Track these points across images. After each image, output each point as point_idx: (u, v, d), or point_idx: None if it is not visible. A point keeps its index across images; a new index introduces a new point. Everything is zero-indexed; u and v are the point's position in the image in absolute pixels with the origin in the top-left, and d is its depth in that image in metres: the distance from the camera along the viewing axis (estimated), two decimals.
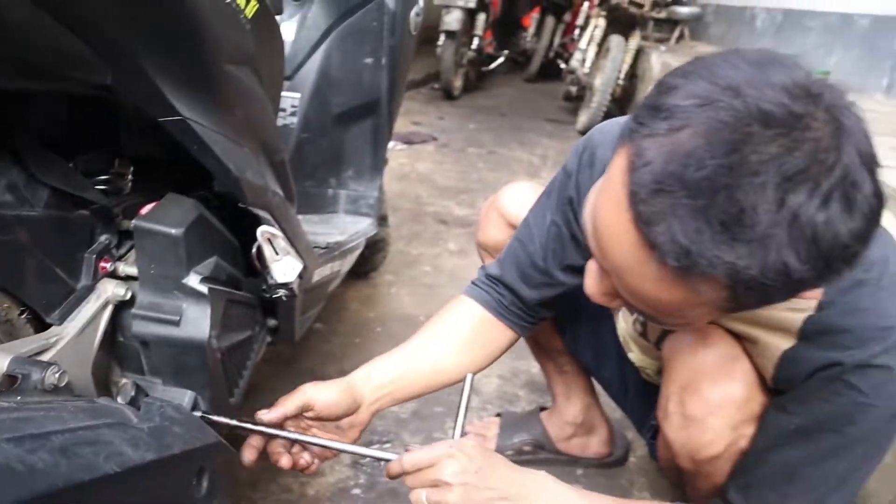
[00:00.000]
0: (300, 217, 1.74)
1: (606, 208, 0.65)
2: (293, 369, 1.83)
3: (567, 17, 7.08)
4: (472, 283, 1.19)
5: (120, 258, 0.98)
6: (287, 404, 0.99)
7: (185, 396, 0.99)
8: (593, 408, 1.54)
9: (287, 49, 1.70)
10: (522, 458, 1.53)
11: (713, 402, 0.90)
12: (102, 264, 0.93)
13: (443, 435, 1.63)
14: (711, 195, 0.56)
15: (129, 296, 0.95)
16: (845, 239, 0.58)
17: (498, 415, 1.64)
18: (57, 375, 0.76)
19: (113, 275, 0.95)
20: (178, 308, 0.95)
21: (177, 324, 0.94)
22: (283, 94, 1.72)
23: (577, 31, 5.90)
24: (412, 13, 1.71)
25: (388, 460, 0.92)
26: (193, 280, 0.95)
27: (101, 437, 0.65)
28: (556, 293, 1.12)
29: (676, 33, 5.29)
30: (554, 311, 1.19)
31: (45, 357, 0.83)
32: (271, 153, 1.09)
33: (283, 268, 1.03)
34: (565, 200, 1.06)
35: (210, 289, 0.96)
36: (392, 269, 2.53)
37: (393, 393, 1.09)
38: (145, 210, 0.95)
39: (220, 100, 0.89)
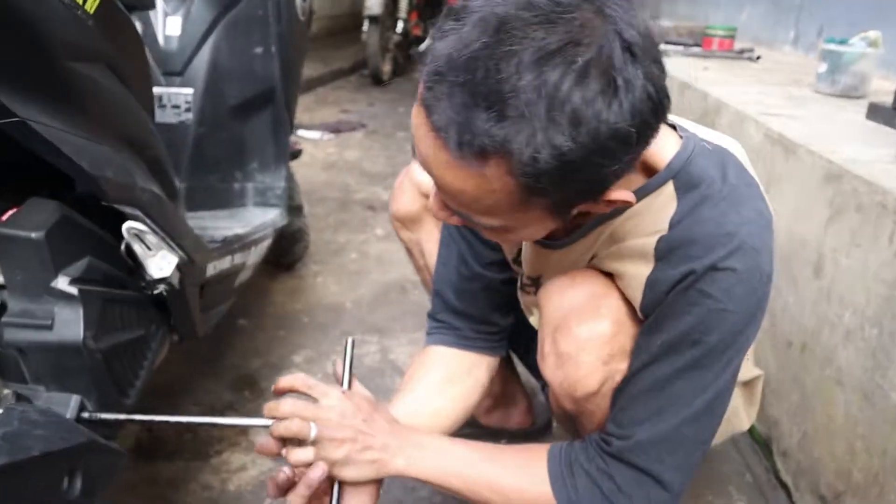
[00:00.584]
0: (207, 213, 1.74)
1: (413, 113, 0.70)
2: (216, 366, 1.82)
3: None
4: (427, 333, 1.20)
5: None
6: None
7: (70, 400, 0.98)
8: (511, 380, 1.56)
9: (174, 44, 1.69)
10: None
11: (582, 337, 0.92)
12: None
13: None
14: (474, 72, 0.61)
15: None
16: (611, 119, 0.62)
17: None
18: None
19: None
20: (49, 312, 0.94)
21: (49, 328, 0.94)
22: (176, 90, 1.70)
23: None
24: None
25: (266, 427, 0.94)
26: (62, 282, 0.94)
27: None
28: (500, 295, 1.15)
29: None
30: (509, 313, 1.20)
31: None
32: (142, 149, 1.08)
33: (158, 262, 1.03)
34: None
35: (81, 290, 0.95)
36: (318, 258, 2.53)
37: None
38: (6, 216, 0.93)
39: (66, 98, 0.88)
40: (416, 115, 0.69)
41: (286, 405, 0.92)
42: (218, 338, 1.93)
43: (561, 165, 0.63)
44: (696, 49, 2.96)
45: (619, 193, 0.74)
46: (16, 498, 0.73)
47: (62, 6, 0.84)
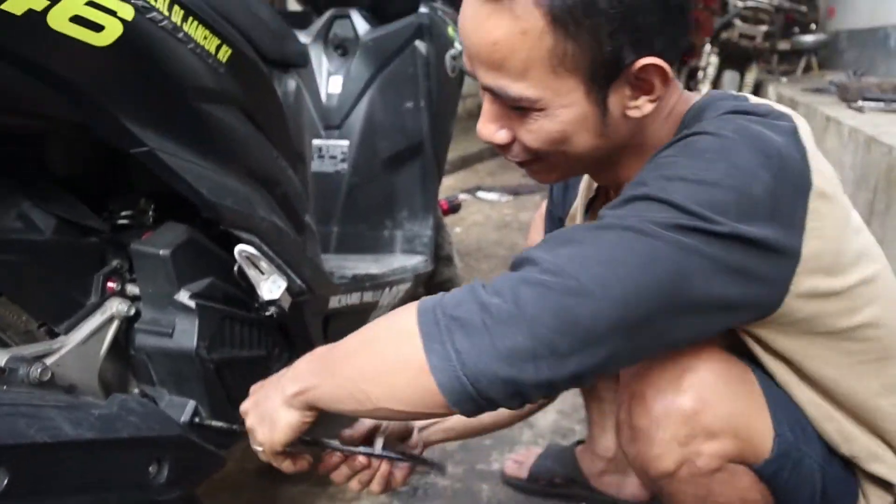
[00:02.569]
0: (355, 256, 1.86)
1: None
2: None
3: (694, 62, 6.95)
4: None
5: (132, 280, 1.12)
6: (363, 421, 1.02)
7: (187, 405, 1.10)
8: None
9: (335, 101, 1.86)
10: (555, 490, 1.50)
11: (658, 412, 0.84)
12: (110, 284, 1.07)
13: (486, 466, 1.63)
14: None
15: (133, 312, 1.08)
16: None
17: None
18: (39, 371, 0.89)
19: (122, 294, 1.09)
20: (171, 322, 1.07)
21: (170, 336, 1.06)
22: (334, 142, 1.87)
23: (700, 74, 5.77)
24: (447, 56, 1.82)
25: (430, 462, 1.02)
26: (183, 296, 1.06)
27: (41, 414, 0.76)
28: None
29: (802, 63, 5.04)
30: None
31: (48, 361, 0.97)
32: (270, 185, 1.20)
33: (269, 286, 1.12)
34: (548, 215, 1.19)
35: (199, 304, 1.07)
36: None
37: (439, 423, 1.12)
38: (145, 236, 1.08)
39: (193, 134, 1.01)
40: None
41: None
42: None
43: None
44: None
45: (655, 60, 0.75)
46: (105, 471, 0.83)
47: (193, 55, 0.98)
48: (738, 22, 4.57)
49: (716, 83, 4.83)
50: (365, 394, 0.78)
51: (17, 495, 0.71)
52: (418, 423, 1.10)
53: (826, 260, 0.79)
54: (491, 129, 0.84)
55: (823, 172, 0.80)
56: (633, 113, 0.80)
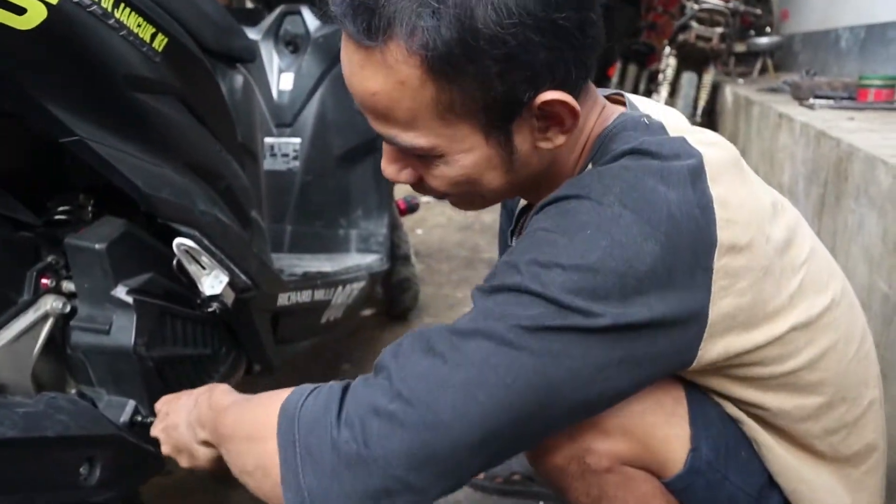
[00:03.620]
0: (308, 255, 1.83)
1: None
2: None
3: (654, 65, 7.03)
4: None
5: (68, 277, 1.08)
6: None
7: (126, 405, 1.07)
8: None
9: (286, 98, 1.84)
10: (513, 488, 1.49)
11: None
12: (44, 280, 1.03)
13: None
14: None
15: (67, 309, 1.05)
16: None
17: None
18: None
19: (57, 290, 1.05)
20: (108, 318, 1.03)
21: (107, 332, 1.03)
22: (286, 140, 1.84)
23: (660, 76, 5.84)
24: None
25: None
26: (120, 291, 1.03)
27: None
28: None
29: (758, 65, 5.12)
30: None
31: None
32: (212, 178, 1.17)
33: (210, 281, 1.10)
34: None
35: (136, 300, 1.04)
36: (433, 311, 2.56)
37: None
38: (82, 231, 1.05)
39: (128, 124, 0.98)
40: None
41: None
42: (319, 379, 2.00)
43: (460, 31, 0.63)
44: (847, 102, 2.74)
45: (556, 94, 0.69)
46: (31, 471, 0.80)
47: (125, 42, 0.95)
48: (694, 24, 4.62)
49: (674, 85, 4.88)
50: (247, 481, 0.79)
51: None
52: None
53: (742, 317, 0.72)
54: (394, 170, 0.79)
55: (736, 219, 0.72)
56: (544, 145, 0.75)
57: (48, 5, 0.83)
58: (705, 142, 0.77)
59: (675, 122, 0.83)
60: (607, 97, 0.87)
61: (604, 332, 0.66)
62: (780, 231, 0.78)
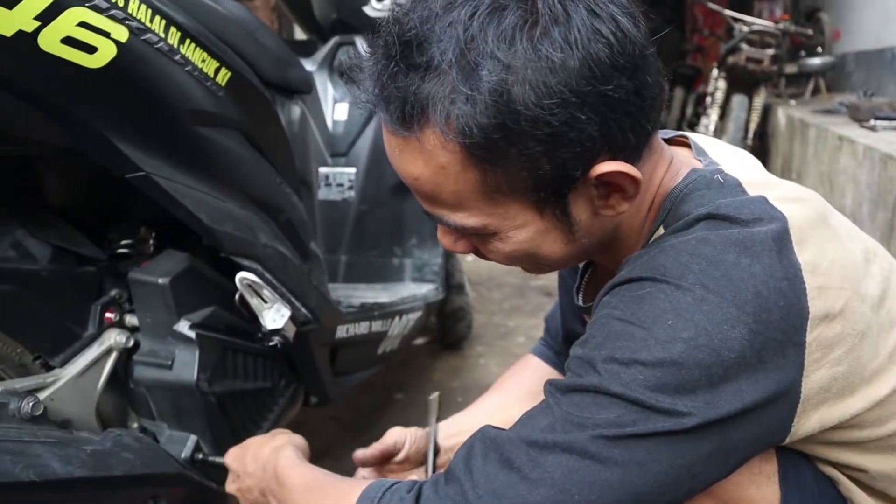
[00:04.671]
0: (363, 285, 1.82)
1: None
2: (366, 435, 1.85)
3: (701, 88, 6.94)
4: (539, 340, 1.19)
5: (131, 310, 1.08)
6: (383, 441, 1.03)
7: (188, 440, 1.06)
8: None
9: (341, 128, 1.84)
10: None
11: None
12: (108, 315, 1.04)
13: None
14: (385, 39, 0.62)
15: (131, 343, 1.05)
16: (541, 56, 0.58)
17: None
18: (31, 405, 0.85)
19: (120, 324, 1.05)
20: (171, 353, 1.03)
21: (169, 367, 1.02)
22: (341, 169, 1.84)
23: (708, 100, 5.76)
24: None
25: None
26: (183, 326, 1.03)
27: (28, 450, 0.72)
28: None
29: (811, 86, 5.00)
30: None
31: (42, 395, 0.93)
32: (273, 211, 1.17)
33: (272, 315, 1.09)
34: None
35: (199, 334, 1.03)
36: (485, 340, 2.53)
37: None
38: (144, 264, 1.05)
39: (192, 159, 0.98)
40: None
41: None
42: (372, 408, 1.98)
43: (497, 115, 0.58)
44: None
45: (613, 165, 0.63)
46: None
47: (191, 77, 0.95)
48: (744, 46, 4.55)
49: (724, 107, 4.80)
50: None
51: None
52: (445, 444, 1.06)
53: (837, 386, 0.66)
54: (449, 241, 0.75)
55: (828, 284, 0.66)
56: (607, 213, 0.69)
57: (118, 43, 0.83)
58: (788, 198, 0.70)
59: (750, 174, 0.75)
60: (670, 140, 0.81)
61: (692, 431, 0.61)
62: (875, 284, 0.71)
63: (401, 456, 1.03)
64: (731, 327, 0.61)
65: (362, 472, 1.05)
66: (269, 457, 0.90)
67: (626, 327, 0.63)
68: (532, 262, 0.76)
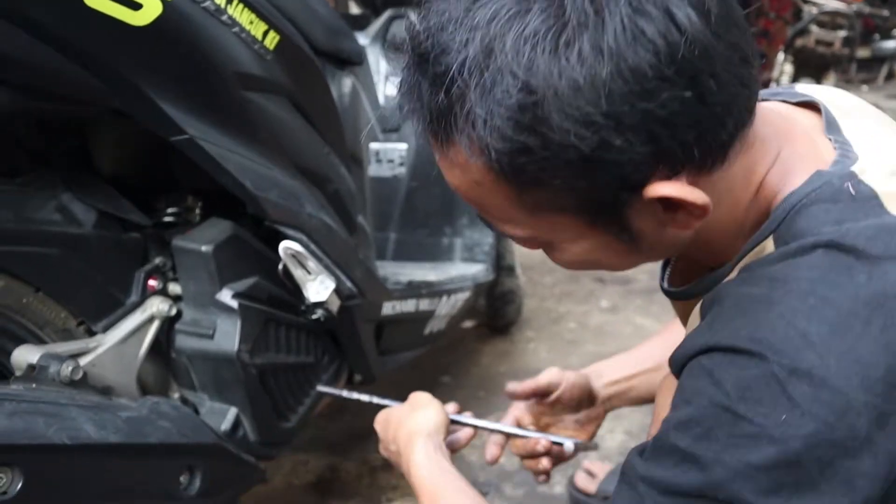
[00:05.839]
0: (412, 263, 1.79)
1: None
2: None
3: (766, 74, 6.71)
4: None
5: (175, 279, 1.06)
6: (538, 379, 1.02)
7: (228, 412, 1.04)
8: None
9: (393, 103, 1.80)
10: None
11: None
12: (151, 282, 1.02)
13: (548, 489, 1.53)
14: (418, 48, 0.55)
15: (174, 312, 1.03)
16: (564, 64, 0.49)
17: None
18: (70, 370, 0.84)
19: (163, 292, 1.04)
20: (213, 322, 1.01)
21: (210, 337, 1.00)
22: (392, 145, 1.80)
23: (773, 85, 5.56)
24: None
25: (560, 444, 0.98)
26: (226, 295, 1.01)
27: (63, 413, 0.70)
28: None
29: (884, 71, 4.77)
30: None
31: (84, 360, 0.92)
32: (320, 181, 1.14)
33: (316, 287, 1.06)
34: None
35: (241, 304, 1.01)
36: (535, 325, 2.47)
37: (627, 392, 1.06)
38: (189, 232, 1.03)
39: (238, 123, 0.96)
40: None
41: None
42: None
43: (515, 139, 0.51)
44: None
45: (667, 188, 0.53)
46: (132, 478, 0.77)
47: (238, 39, 0.92)
48: (814, 28, 4.35)
49: None
50: None
51: (33, 499, 0.65)
52: (601, 393, 1.05)
53: None
54: (518, 242, 0.70)
55: None
56: (674, 230, 0.59)
57: (163, 1, 0.81)
58: None
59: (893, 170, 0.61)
60: (798, 103, 0.68)
61: None
62: None
63: (553, 397, 1.01)
64: (857, 416, 0.51)
65: (514, 408, 1.05)
66: (404, 447, 0.90)
67: (735, 423, 0.54)
68: (599, 269, 0.69)
